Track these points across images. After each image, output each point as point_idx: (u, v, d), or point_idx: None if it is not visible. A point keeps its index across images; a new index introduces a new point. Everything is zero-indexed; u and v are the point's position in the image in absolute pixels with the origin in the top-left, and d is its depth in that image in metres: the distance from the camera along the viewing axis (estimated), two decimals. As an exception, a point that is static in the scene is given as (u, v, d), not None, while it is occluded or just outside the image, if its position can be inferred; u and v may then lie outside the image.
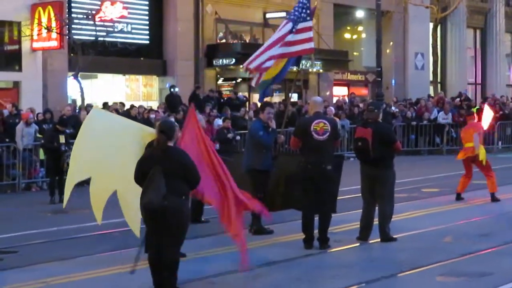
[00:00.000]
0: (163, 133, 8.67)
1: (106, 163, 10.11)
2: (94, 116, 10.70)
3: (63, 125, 18.27)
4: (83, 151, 10.41)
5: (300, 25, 13.54)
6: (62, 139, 17.80)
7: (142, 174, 8.62)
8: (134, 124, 11.43)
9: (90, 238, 12.91)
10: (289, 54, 13.66)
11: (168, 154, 8.61)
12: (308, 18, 13.62)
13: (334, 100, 33.61)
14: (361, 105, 29.87)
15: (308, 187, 11.44)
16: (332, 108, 24.83)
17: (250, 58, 13.69)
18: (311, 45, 13.77)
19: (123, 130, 10.55)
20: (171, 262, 8.63)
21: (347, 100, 32.66)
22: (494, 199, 16.25)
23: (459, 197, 16.48)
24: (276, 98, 32.26)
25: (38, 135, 20.33)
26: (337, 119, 23.58)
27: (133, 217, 10.12)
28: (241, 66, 31.08)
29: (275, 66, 13.70)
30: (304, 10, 13.61)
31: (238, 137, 22.70)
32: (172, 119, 17.00)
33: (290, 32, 13.52)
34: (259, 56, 13.53)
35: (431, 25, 39.05)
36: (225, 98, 29.49)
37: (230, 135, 21.99)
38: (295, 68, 17.17)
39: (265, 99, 15.30)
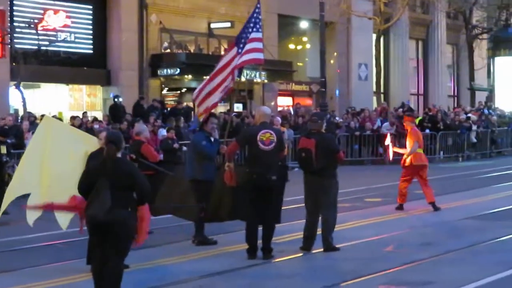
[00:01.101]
0: (113, 143, 8.56)
1: (48, 178, 10.07)
2: (45, 125, 10.68)
3: (4, 135, 18.02)
4: (28, 165, 10.36)
5: (251, 35, 13.53)
6: (3, 149, 17.55)
7: (87, 186, 8.52)
8: (81, 134, 11.43)
9: (33, 249, 12.76)
10: (238, 65, 13.61)
11: (117, 165, 8.50)
12: (259, 29, 13.64)
13: (279, 110, 33.76)
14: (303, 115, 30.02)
15: (252, 197, 11.47)
16: (279, 118, 24.89)
17: (198, 90, 13.74)
18: (260, 55, 13.78)
19: (70, 141, 10.55)
20: (114, 274, 8.48)
21: (291, 111, 32.82)
22: (435, 208, 16.52)
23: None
24: (221, 108, 32.29)
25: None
26: (284, 129, 23.71)
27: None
28: (185, 76, 31.23)
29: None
30: (254, 21, 13.63)
31: (184, 148, 22.64)
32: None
33: (238, 54, 13.52)
34: (205, 86, 13.57)
35: (374, 36, 39.48)
36: (169, 109, 29.36)
37: (176, 145, 21.92)
38: (238, 79, 17.18)
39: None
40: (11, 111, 25.75)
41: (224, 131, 14.83)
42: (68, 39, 27.42)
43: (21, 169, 10.56)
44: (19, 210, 10.43)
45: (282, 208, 12.23)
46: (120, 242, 8.45)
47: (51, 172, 10.33)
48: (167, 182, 13.19)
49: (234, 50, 13.54)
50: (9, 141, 18.26)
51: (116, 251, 8.46)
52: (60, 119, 23.29)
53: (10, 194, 10.33)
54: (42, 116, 24.60)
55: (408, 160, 16.68)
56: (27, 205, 10.31)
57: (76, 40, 28.27)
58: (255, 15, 13.65)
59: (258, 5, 13.89)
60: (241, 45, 13.44)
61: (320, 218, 12.01)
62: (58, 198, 10.02)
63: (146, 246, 11.94)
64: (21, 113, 25.19)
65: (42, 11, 27.17)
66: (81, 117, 24.65)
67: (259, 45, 13.61)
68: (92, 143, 10.80)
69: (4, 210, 10.79)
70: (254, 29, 13.45)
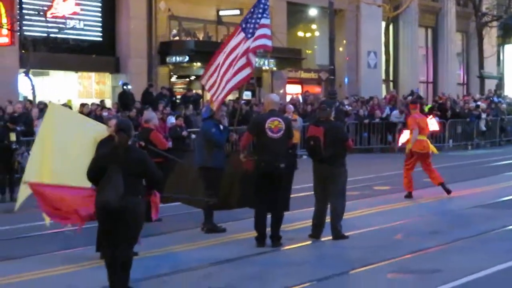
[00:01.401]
0: (123, 131, 8.61)
1: (60, 166, 10.10)
2: (51, 113, 10.69)
3: (14, 122, 18.06)
4: (39, 154, 10.39)
5: (261, 21, 13.41)
6: (13, 137, 17.59)
7: (96, 172, 8.56)
8: (89, 121, 11.46)
9: (40, 237, 12.78)
10: (251, 50, 13.40)
11: (128, 153, 8.56)
12: (268, 15, 13.55)
13: (288, 98, 33.74)
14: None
15: (261, 185, 11.48)
16: (291, 106, 24.86)
17: (208, 75, 13.56)
18: (269, 42, 13.66)
19: (78, 128, 10.57)
20: (124, 261, 8.56)
21: (300, 98, 32.79)
22: (446, 189, 16.55)
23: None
24: (230, 96, 32.27)
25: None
26: (296, 117, 23.71)
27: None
28: (194, 63, 31.20)
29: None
30: (263, 7, 13.53)
31: (193, 136, 22.66)
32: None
33: (246, 38, 13.36)
34: (215, 72, 13.43)
35: (383, 23, 39.38)
36: (178, 96, 29.34)
37: (184, 132, 21.95)
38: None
39: None
40: (21, 99, 25.81)
41: (234, 119, 14.81)
42: (77, 26, 27.41)
43: (32, 160, 10.58)
44: (29, 197, 10.43)
45: (291, 196, 12.25)
46: (130, 229, 8.51)
47: (55, 158, 10.33)
48: (176, 170, 13.21)
49: (241, 35, 13.41)
50: (18, 128, 18.30)
51: (126, 238, 8.52)
52: (70, 107, 23.38)
53: (25, 186, 10.35)
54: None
55: (407, 147, 16.73)
56: (28, 182, 10.24)
57: (85, 27, 28.27)
58: (263, 1, 13.54)
59: None
60: (250, 30, 13.32)
61: (329, 206, 12.03)
62: (61, 182, 10.07)
63: (155, 233, 12.03)
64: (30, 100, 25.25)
65: (51, -1, 27.17)
66: (89, 104, 24.60)
67: (268, 31, 13.52)
68: (100, 130, 10.82)
69: (20, 202, 10.78)
70: (265, 15, 13.35)
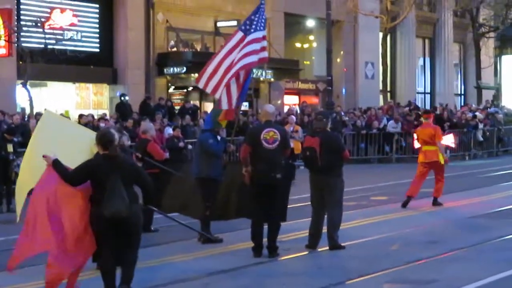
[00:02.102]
0: (110, 142, 8.80)
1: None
2: (46, 120, 10.67)
3: (11, 133, 18.08)
4: (33, 159, 10.34)
5: (254, 35, 13.38)
6: (10, 148, 17.62)
7: (81, 181, 8.68)
8: (85, 131, 11.43)
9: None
10: (243, 67, 13.35)
11: (123, 161, 8.83)
12: (262, 27, 13.56)
13: (285, 108, 33.78)
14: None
15: (258, 195, 11.50)
16: (294, 117, 24.86)
17: (205, 77, 13.40)
18: (265, 54, 13.67)
19: (73, 137, 10.53)
20: (132, 263, 8.85)
21: (297, 109, 32.83)
22: (436, 203, 16.57)
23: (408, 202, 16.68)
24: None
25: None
26: (298, 128, 23.73)
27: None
28: (192, 75, 31.21)
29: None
30: (258, 19, 13.54)
31: (190, 146, 22.68)
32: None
33: (245, 35, 13.34)
34: (213, 76, 13.29)
35: (381, 34, 39.49)
36: (176, 108, 29.39)
37: (181, 144, 21.95)
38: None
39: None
40: (18, 110, 25.83)
41: (231, 130, 14.82)
42: (75, 37, 27.48)
43: (24, 166, 10.55)
44: (25, 208, 10.40)
45: (288, 206, 12.26)
46: (135, 234, 8.85)
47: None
48: (173, 181, 13.23)
49: (239, 34, 13.39)
50: (15, 139, 18.31)
51: (132, 244, 8.83)
52: (68, 118, 23.37)
53: (20, 192, 10.30)
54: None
55: (420, 158, 16.86)
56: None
57: (83, 38, 28.34)
58: (260, 12, 13.56)
59: (263, 3, 13.82)
60: (251, 27, 13.34)
61: (325, 216, 12.04)
62: None
63: (152, 244, 12.03)
64: (28, 111, 25.26)
65: (49, 10, 27.24)
66: (86, 115, 24.58)
67: (263, 44, 13.51)
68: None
69: (19, 211, 10.74)
70: (260, 28, 13.35)
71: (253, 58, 13.12)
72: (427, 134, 16.78)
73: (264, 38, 13.42)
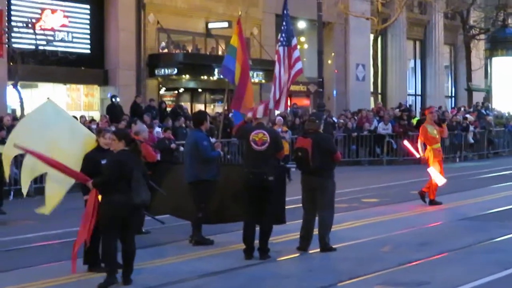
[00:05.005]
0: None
1: (43, 147, 10.20)
2: (46, 106, 10.77)
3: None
4: (24, 131, 10.49)
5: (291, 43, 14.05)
6: (1, 149, 17.49)
7: (118, 178, 9.57)
8: (81, 127, 11.52)
9: (29, 249, 12.76)
10: (297, 73, 14.18)
11: (139, 157, 10.01)
12: (292, 34, 14.09)
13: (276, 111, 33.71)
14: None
15: (249, 197, 11.50)
16: (281, 118, 24.87)
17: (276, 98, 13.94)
18: (300, 65, 14.23)
19: (68, 127, 10.65)
20: (133, 250, 9.86)
21: (288, 111, 32.79)
22: (435, 203, 16.71)
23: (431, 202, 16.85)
24: (219, 108, 32.34)
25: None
26: (286, 129, 23.69)
27: (53, 202, 10.49)
28: (183, 76, 31.22)
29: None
30: (286, 27, 14.01)
31: (181, 148, 22.62)
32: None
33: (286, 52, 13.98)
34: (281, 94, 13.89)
35: (371, 36, 39.51)
36: (168, 109, 29.35)
37: (173, 145, 21.92)
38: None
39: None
40: (9, 111, 25.75)
41: (217, 131, 14.87)
42: (66, 38, 27.39)
43: (14, 135, 10.69)
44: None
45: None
46: (138, 222, 10.47)
47: (45, 144, 10.40)
48: (165, 182, 13.16)
49: (281, 50, 13.98)
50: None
51: (134, 230, 10.10)
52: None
53: (7, 155, 10.48)
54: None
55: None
56: (35, 151, 10.30)
57: (74, 39, 28.25)
58: (286, 20, 14.15)
59: (286, 11, 14.36)
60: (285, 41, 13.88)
61: (317, 218, 12.04)
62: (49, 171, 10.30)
63: (143, 246, 12.00)
64: (18, 113, 25.19)
65: (39, 11, 27.15)
66: (78, 117, 24.52)
67: (297, 53, 14.17)
68: (89, 139, 10.79)
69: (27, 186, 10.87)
70: (291, 34, 14.04)
71: (300, 65, 13.81)
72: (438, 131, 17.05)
73: (296, 46, 13.97)
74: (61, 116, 10.89)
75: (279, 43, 14.42)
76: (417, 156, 17.17)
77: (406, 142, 19.39)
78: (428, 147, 17.01)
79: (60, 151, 10.30)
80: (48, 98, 10.99)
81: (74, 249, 10.06)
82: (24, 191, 10.85)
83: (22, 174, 10.66)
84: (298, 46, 15.18)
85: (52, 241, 13.23)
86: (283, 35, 14.25)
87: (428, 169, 16.83)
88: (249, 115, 12.21)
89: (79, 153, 10.46)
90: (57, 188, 10.45)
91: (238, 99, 13.93)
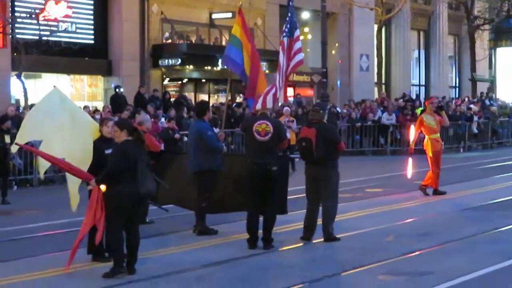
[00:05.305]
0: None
1: (51, 135, 10.29)
2: (54, 94, 10.83)
3: (2, 122, 17.94)
4: (33, 122, 10.57)
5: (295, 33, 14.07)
6: (7, 138, 17.54)
7: (129, 168, 9.56)
8: (86, 115, 11.60)
9: (33, 239, 12.78)
10: (297, 64, 14.16)
11: (143, 147, 10.00)
12: (296, 26, 14.10)
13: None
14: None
15: (253, 187, 11.51)
16: (288, 109, 24.83)
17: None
18: (301, 56, 14.21)
19: (73, 115, 10.70)
20: (138, 242, 9.93)
21: (291, 101, 32.79)
22: (439, 192, 16.71)
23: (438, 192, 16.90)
24: (222, 99, 32.32)
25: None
26: (293, 119, 23.64)
27: (75, 195, 10.54)
28: (187, 66, 31.19)
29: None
30: (290, 19, 14.02)
31: (185, 138, 22.61)
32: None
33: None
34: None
35: (375, 26, 39.46)
36: (172, 100, 29.35)
37: (177, 136, 21.89)
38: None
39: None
40: (13, 101, 25.76)
41: (220, 121, 14.90)
42: (70, 29, 27.39)
43: (26, 122, 10.76)
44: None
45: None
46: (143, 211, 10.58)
47: (57, 131, 10.48)
48: (169, 172, 13.16)
49: (285, 41, 13.98)
50: (13, 131, 18.24)
51: (139, 220, 10.17)
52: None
53: (21, 139, 10.51)
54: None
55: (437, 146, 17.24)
56: (39, 150, 10.38)
57: (78, 30, 28.24)
58: (290, 11, 14.17)
59: (292, 2, 14.36)
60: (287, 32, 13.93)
61: (320, 208, 12.05)
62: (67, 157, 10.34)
63: (147, 235, 12.03)
64: (22, 103, 25.22)
65: (43, 1, 27.14)
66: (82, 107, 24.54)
67: (299, 44, 14.14)
68: (94, 128, 10.81)
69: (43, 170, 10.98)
70: (295, 26, 14.03)
71: (301, 56, 13.84)
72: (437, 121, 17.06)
73: (298, 38, 13.93)
74: (67, 104, 10.93)
75: (284, 34, 14.45)
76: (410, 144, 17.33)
77: (412, 128, 19.35)
78: (426, 136, 17.04)
79: (67, 139, 10.34)
80: (54, 86, 11.01)
81: (75, 242, 10.03)
82: (42, 175, 11.33)
83: (39, 159, 10.74)
84: (302, 37, 15.25)
85: (56, 231, 13.25)
86: (288, 26, 14.29)
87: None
88: (258, 106, 12.17)
89: (86, 141, 10.47)
90: (74, 182, 10.48)
91: (251, 88, 13.93)
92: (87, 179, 10.08)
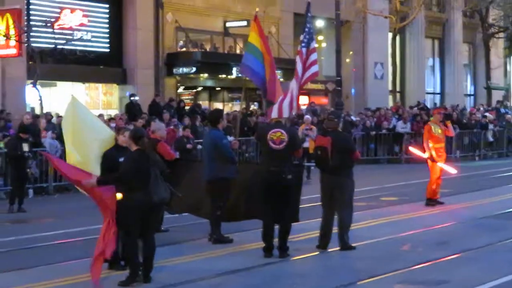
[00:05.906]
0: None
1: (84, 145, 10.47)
2: (74, 104, 10.93)
3: (25, 132, 18.07)
4: (68, 135, 10.72)
5: (311, 46, 14.04)
6: (25, 147, 17.62)
7: (136, 174, 9.55)
8: (102, 124, 11.67)
9: (49, 247, 12.81)
10: (311, 76, 14.20)
11: (155, 156, 10.26)
12: (313, 38, 14.10)
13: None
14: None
15: (268, 196, 11.49)
16: (309, 117, 24.79)
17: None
18: (316, 68, 14.15)
19: (93, 125, 10.80)
20: (153, 251, 9.92)
21: (303, 109, 32.77)
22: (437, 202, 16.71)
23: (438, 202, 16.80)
24: (237, 107, 32.34)
25: (-1, 144, 20.12)
26: (314, 127, 23.59)
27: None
28: (201, 75, 31.25)
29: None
30: (308, 30, 14.01)
31: (199, 146, 22.61)
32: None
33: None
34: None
35: (390, 35, 39.43)
36: (186, 108, 29.40)
37: (189, 146, 21.90)
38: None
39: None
40: (28, 110, 25.86)
41: (234, 129, 14.89)
42: (85, 37, 27.47)
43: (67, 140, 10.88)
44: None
45: (300, 206, 12.24)
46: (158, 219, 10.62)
47: (74, 146, 10.56)
48: (184, 181, 13.15)
49: (303, 51, 13.97)
50: (30, 139, 18.36)
51: (154, 228, 10.21)
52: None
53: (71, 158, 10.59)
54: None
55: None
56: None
57: (93, 38, 28.34)
58: (308, 21, 14.16)
59: (309, 13, 14.40)
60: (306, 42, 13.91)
61: (336, 216, 12.02)
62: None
63: (162, 244, 12.03)
64: (37, 111, 25.30)
65: (58, 10, 27.28)
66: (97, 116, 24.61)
67: (314, 56, 14.13)
68: (108, 137, 10.83)
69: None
70: (312, 37, 14.03)
71: (316, 68, 14.00)
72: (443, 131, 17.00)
73: (314, 49, 13.95)
74: (83, 112, 10.99)
75: (302, 44, 14.42)
76: (424, 156, 17.11)
77: (411, 148, 19.35)
78: (431, 145, 16.97)
79: (85, 146, 10.43)
80: (72, 96, 11.07)
81: (95, 263, 9.86)
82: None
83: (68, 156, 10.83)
84: (316, 45, 15.15)
85: (72, 239, 13.28)
86: (307, 36, 14.24)
87: (438, 164, 16.82)
88: (274, 114, 12.16)
89: (97, 150, 10.50)
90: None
91: (271, 93, 13.95)
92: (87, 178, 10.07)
